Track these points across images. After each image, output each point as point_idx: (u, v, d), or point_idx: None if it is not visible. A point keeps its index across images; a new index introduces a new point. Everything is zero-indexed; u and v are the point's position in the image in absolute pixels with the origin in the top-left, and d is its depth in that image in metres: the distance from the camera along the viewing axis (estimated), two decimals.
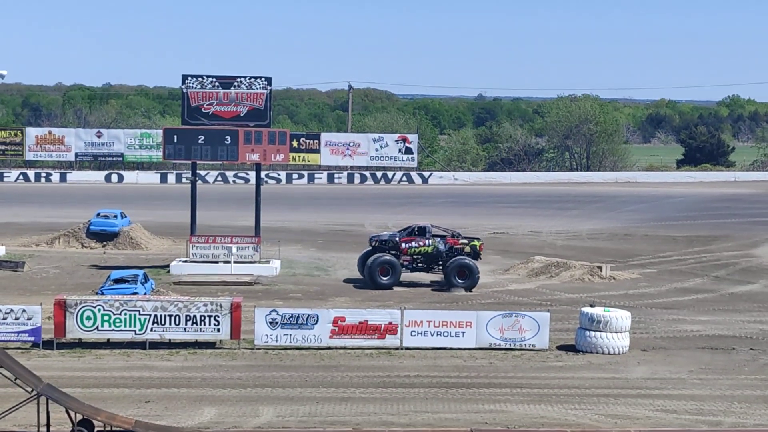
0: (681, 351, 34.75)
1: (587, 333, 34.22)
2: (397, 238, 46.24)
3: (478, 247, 46.32)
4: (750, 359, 33.81)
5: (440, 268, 45.97)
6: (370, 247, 46.84)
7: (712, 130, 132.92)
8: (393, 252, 45.77)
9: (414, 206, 78.39)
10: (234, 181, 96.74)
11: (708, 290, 46.30)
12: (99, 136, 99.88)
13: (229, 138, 48.54)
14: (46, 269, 49.23)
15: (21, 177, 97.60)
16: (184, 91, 48.68)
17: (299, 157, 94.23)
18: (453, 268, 45.13)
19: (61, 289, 41.86)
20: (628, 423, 26.40)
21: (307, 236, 61.61)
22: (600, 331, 34.03)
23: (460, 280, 45.04)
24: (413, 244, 46.01)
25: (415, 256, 46.03)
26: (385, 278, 45.28)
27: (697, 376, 31.48)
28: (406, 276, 46.34)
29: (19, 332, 33.56)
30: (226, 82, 48.54)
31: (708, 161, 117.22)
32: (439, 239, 46.23)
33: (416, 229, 46.65)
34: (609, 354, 33.83)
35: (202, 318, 33.79)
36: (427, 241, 46.07)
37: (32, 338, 33.62)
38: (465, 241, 46.53)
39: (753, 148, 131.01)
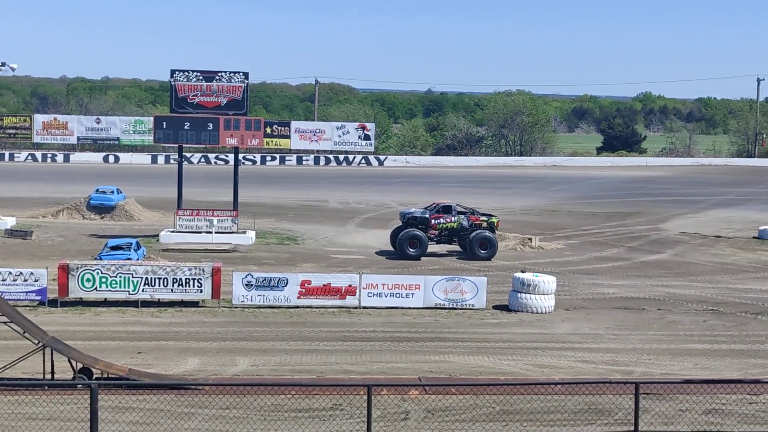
0: (599, 310, 34.95)
1: (519, 295, 34.37)
2: (428, 215, 45.91)
3: (495, 224, 46.18)
4: (657, 318, 34.07)
5: (460, 240, 45.83)
6: (401, 223, 46.40)
7: (627, 122, 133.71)
8: (422, 227, 45.45)
9: (372, 185, 78.26)
10: (215, 162, 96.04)
11: (623, 258, 46.61)
12: (98, 122, 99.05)
13: (211, 125, 48.30)
14: (51, 237, 48.77)
15: (29, 157, 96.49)
16: (173, 83, 48.29)
17: (272, 141, 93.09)
18: (476, 240, 44.93)
19: (65, 255, 41.49)
20: (553, 372, 26.51)
21: (279, 210, 61.38)
22: (530, 293, 34.18)
23: (482, 251, 44.95)
24: (441, 220, 45.73)
25: (442, 231, 45.82)
26: (413, 250, 44.82)
27: (613, 332, 31.68)
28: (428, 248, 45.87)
29: (27, 292, 33.32)
30: (209, 75, 48.19)
31: (624, 148, 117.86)
32: (463, 216, 46.04)
33: (442, 207, 46.36)
34: (537, 313, 33.99)
35: (187, 280, 33.63)
36: (453, 218, 45.82)
37: (39, 297, 33.40)
38: (484, 218, 46.32)
39: (662, 137, 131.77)
